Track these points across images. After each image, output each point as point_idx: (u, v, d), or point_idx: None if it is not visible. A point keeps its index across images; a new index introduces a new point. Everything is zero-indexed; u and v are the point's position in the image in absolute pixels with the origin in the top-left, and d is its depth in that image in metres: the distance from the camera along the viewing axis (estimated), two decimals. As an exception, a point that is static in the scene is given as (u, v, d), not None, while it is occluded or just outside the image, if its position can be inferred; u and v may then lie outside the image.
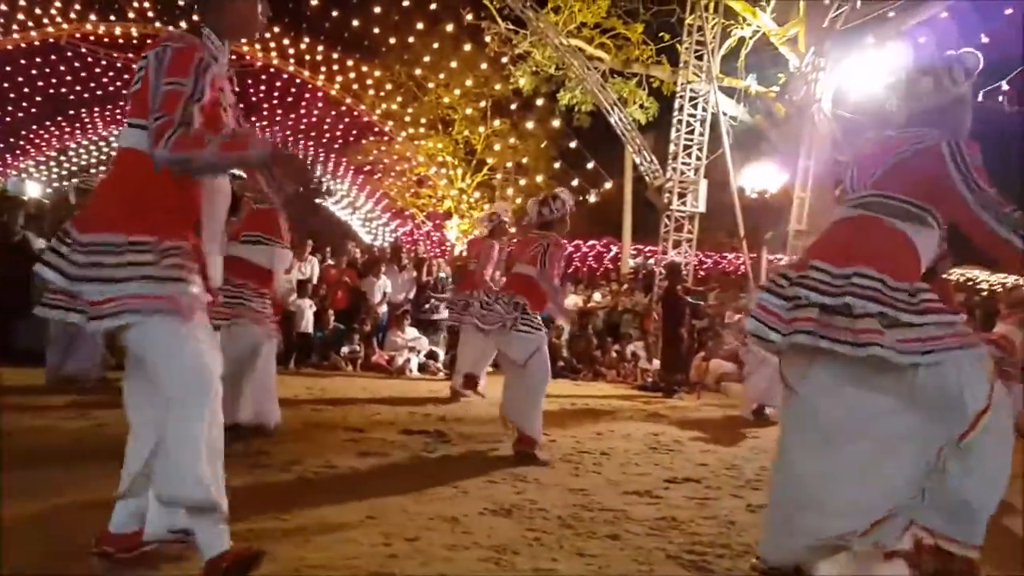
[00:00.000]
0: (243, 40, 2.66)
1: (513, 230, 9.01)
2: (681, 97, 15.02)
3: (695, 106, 14.96)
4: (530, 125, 20.61)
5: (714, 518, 3.64)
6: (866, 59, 13.46)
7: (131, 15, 20.15)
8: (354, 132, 23.96)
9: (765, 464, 5.29)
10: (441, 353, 10.89)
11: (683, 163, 14.92)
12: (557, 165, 21.13)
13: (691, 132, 14.92)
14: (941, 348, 2.32)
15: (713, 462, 5.19)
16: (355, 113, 22.80)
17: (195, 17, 2.49)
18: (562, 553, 2.95)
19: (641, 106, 17.21)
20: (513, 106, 20.52)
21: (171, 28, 2.59)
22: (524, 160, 21.45)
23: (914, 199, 2.50)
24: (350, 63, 21.27)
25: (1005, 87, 14.70)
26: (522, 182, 21.55)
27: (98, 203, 2.37)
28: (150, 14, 19.84)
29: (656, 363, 11.43)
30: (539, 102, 19.46)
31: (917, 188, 2.49)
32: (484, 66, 19.62)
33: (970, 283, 21.66)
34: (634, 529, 3.35)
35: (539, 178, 21.14)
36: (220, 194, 2.50)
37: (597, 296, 14.05)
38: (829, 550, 2.47)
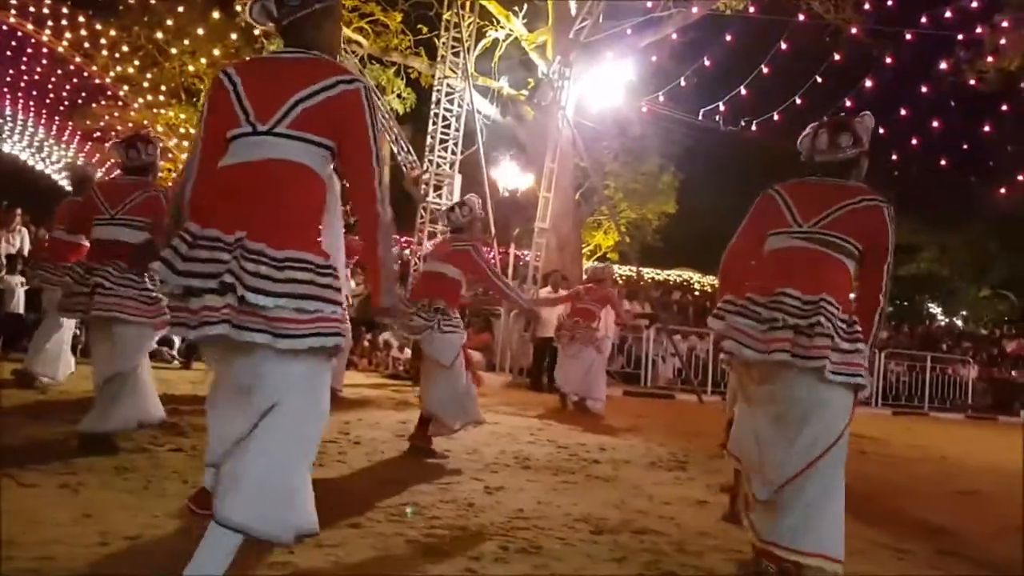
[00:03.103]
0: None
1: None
2: (438, 91, 15.26)
3: (451, 101, 15.26)
4: (284, 104, 19.80)
5: (453, 502, 3.78)
6: (605, 72, 14.55)
7: None
8: (83, 94, 21.58)
9: (504, 448, 5.58)
10: (177, 340, 10.17)
11: (439, 156, 15.17)
12: (311, 148, 20.52)
13: (447, 127, 15.21)
14: (850, 372, 2.93)
15: (456, 448, 5.36)
16: (85, 74, 20.50)
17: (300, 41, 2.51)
18: (299, 545, 2.89)
19: (399, 96, 17.24)
20: (266, 82, 19.58)
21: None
22: (277, 140, 20.57)
23: (857, 242, 3.07)
24: (81, 19, 19.10)
25: (722, 107, 16.60)
26: (274, 162, 20.66)
27: (283, 219, 2.32)
28: None
29: (407, 352, 11.56)
30: (294, 80, 18.75)
31: (861, 234, 3.07)
32: (234, 36, 18.54)
33: (686, 283, 24.20)
34: (376, 516, 3.38)
35: (292, 159, 20.42)
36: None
37: (352, 285, 13.87)
38: None
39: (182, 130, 20.17)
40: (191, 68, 19.55)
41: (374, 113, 2.44)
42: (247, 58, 2.97)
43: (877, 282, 3.10)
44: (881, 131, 17.67)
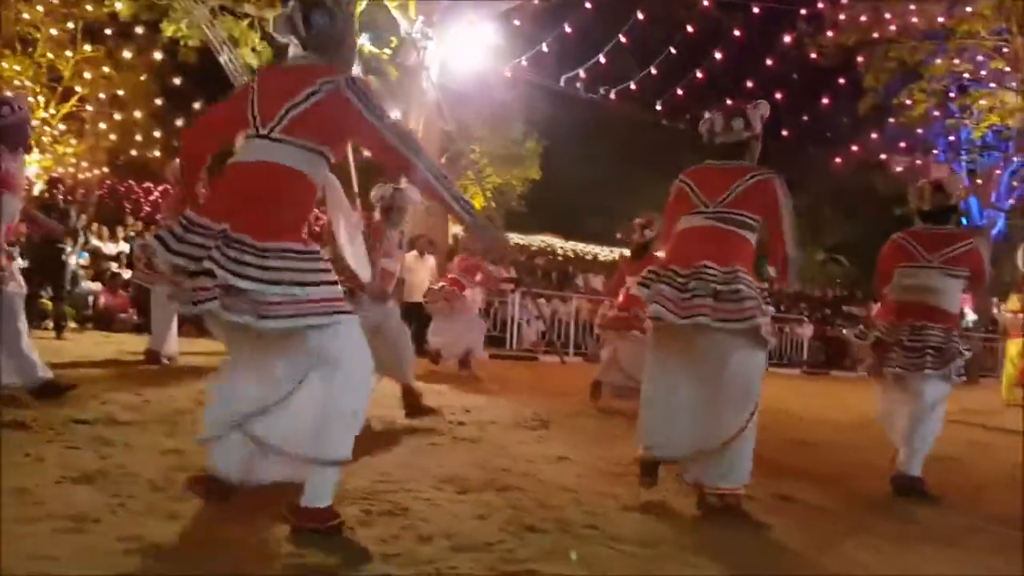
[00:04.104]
0: None
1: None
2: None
3: (310, 57, 14.71)
4: (128, 55, 18.46)
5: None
6: (469, 35, 14.46)
7: None
8: (-95, 43, 19.30)
9: (369, 412, 5.48)
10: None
11: (298, 114, 14.64)
12: (159, 102, 19.30)
13: (306, 84, 14.67)
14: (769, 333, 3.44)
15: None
16: (-93, 22, 18.31)
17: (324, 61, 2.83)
18: (152, 517, 2.80)
19: (253, 49, 16.42)
20: (108, 31, 18.17)
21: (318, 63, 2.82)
22: (120, 93, 19.17)
23: (754, 215, 3.55)
24: None
25: (582, 75, 16.87)
26: (118, 116, 19.27)
27: (268, 214, 2.56)
28: None
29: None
30: (139, 30, 17.51)
31: (756, 207, 3.53)
32: (75, -18, 17.08)
33: (549, 249, 24.65)
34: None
35: (137, 114, 19.12)
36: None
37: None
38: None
39: (16, 83, 18.42)
40: (26, 16, 17.84)
41: (365, 97, 2.63)
42: (269, 65, 3.62)
43: (780, 239, 3.52)
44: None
